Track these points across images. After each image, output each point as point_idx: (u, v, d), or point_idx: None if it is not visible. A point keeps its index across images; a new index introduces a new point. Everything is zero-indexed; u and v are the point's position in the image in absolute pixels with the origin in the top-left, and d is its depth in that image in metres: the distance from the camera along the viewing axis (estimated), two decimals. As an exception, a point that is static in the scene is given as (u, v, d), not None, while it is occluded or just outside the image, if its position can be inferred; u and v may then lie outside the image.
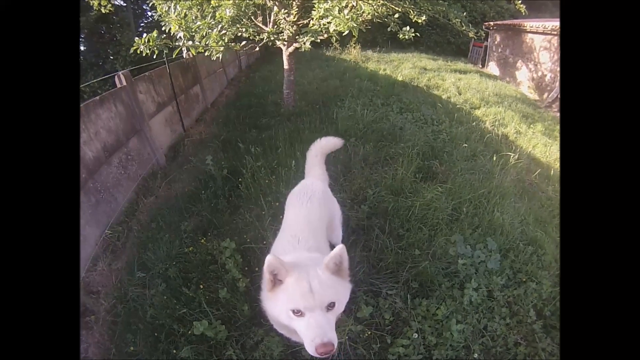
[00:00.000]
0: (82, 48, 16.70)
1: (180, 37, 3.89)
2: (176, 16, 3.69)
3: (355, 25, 3.09)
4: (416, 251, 2.72)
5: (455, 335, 2.10)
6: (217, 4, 3.72)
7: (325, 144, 2.63)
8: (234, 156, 4.31)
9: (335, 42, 4.42)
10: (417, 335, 2.09)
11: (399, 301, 2.34)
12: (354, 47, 12.68)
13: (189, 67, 6.72)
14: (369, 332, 2.14)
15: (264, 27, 4.90)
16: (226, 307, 2.34)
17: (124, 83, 4.04)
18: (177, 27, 3.71)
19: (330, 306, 1.31)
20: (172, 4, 3.93)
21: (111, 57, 14.99)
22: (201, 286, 2.49)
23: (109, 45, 14.81)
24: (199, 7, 3.92)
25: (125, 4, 18.61)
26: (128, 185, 3.88)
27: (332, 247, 1.64)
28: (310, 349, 1.25)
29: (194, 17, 3.99)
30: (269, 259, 1.32)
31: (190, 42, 3.95)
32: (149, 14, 22.15)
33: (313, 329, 1.26)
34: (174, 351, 2.10)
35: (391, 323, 2.24)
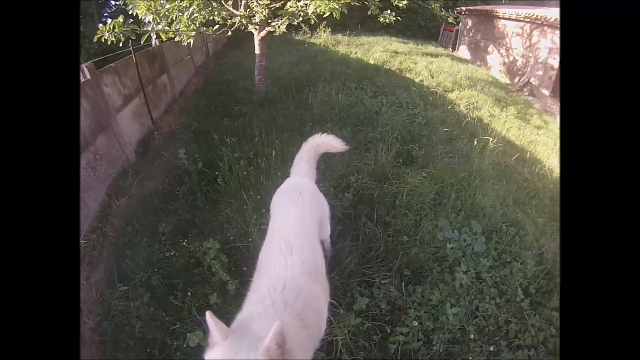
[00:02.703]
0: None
1: (149, 22, 3.62)
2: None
3: (337, 7, 2.97)
4: (404, 237, 2.72)
5: (451, 319, 2.13)
6: None
7: (323, 142, 2.50)
8: (207, 148, 4.12)
9: (312, 24, 4.27)
10: (416, 322, 2.10)
11: (393, 289, 2.33)
12: (324, 31, 12.47)
13: (155, 56, 6.32)
14: (368, 324, 2.12)
15: (235, 10, 4.68)
16: (218, 313, 2.22)
17: (88, 76, 3.68)
18: (146, 10, 3.44)
19: None
20: None
21: None
22: (189, 293, 2.35)
23: None
24: None
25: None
26: (98, 187, 3.60)
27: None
28: None
29: (163, 0, 3.73)
30: (207, 315, 1.13)
31: (159, 27, 3.68)
32: (113, 3, 20.89)
33: None
34: None
35: (388, 312, 2.23)
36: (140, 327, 2.22)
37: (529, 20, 10.00)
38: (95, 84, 3.81)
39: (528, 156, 4.68)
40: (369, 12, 4.04)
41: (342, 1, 3.20)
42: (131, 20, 3.51)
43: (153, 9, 3.48)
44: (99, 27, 3.46)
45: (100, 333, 2.30)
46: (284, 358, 1.06)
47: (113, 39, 3.41)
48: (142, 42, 3.75)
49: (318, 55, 9.45)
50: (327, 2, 2.97)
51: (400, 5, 4.11)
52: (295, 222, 1.82)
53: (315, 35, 12.64)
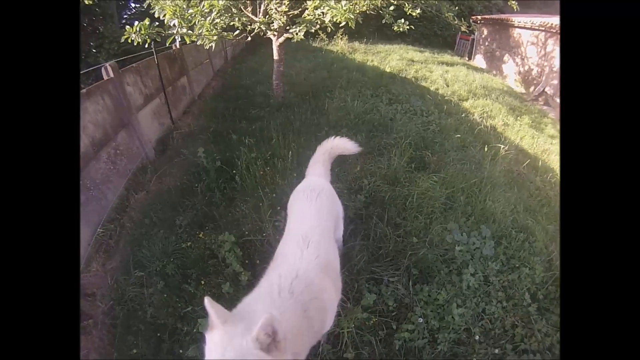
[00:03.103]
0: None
1: (174, 25, 3.80)
2: (171, 3, 3.58)
3: (353, 16, 3.09)
4: (414, 239, 2.78)
5: (457, 319, 2.18)
6: None
7: (338, 144, 2.58)
8: (225, 148, 4.25)
9: (329, 32, 4.39)
10: (421, 319, 2.15)
11: (401, 287, 2.39)
12: (341, 39, 12.62)
13: (175, 59, 6.57)
14: (374, 319, 2.18)
15: (254, 17, 4.84)
16: (230, 302, 2.30)
17: (112, 75, 3.89)
18: (172, 14, 3.61)
19: None
20: None
21: (94, 50, 14.50)
22: (202, 282, 2.46)
23: (91, 38, 14.29)
24: None
25: (107, -5, 17.94)
26: (118, 181, 3.77)
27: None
28: None
29: (185, 5, 3.91)
30: (206, 300, 1.14)
31: (184, 30, 3.86)
32: (132, 5, 21.50)
33: None
34: (180, 351, 2.07)
35: (395, 309, 2.29)
36: (152, 312, 2.31)
37: (543, 28, 9.92)
38: (118, 82, 4.00)
39: (540, 164, 4.68)
40: (383, 21, 4.13)
41: (357, 11, 3.30)
42: (156, 23, 3.69)
43: (178, 14, 3.64)
44: (126, 29, 3.66)
45: (112, 317, 2.40)
46: (276, 346, 1.09)
47: (139, 40, 3.59)
48: (167, 44, 3.92)
49: (335, 62, 9.58)
50: (342, 11, 3.08)
51: (414, 14, 4.19)
52: (313, 219, 1.89)
53: (333, 42, 12.80)
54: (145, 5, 4.21)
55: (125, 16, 20.72)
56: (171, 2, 3.68)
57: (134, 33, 3.55)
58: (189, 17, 3.81)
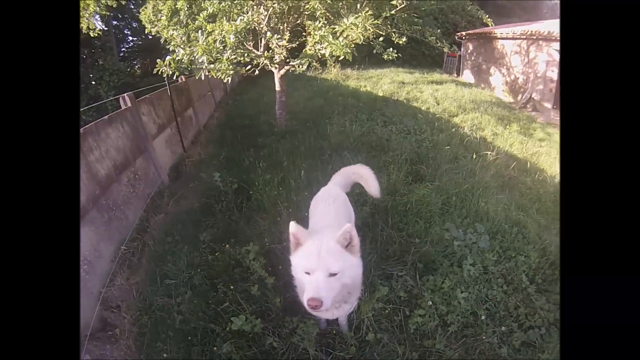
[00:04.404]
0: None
1: (202, 61, 4.28)
2: (203, 42, 4.07)
3: (349, 50, 3.53)
4: (416, 239, 3.11)
5: (462, 303, 2.46)
6: (220, 30, 4.10)
7: (366, 177, 2.83)
8: (239, 172, 4.61)
9: (331, 64, 4.86)
10: (430, 302, 2.45)
11: (409, 280, 2.70)
12: (334, 67, 13.21)
13: (182, 91, 7.03)
14: (389, 309, 2.48)
15: (255, 51, 5.32)
16: (258, 303, 2.54)
17: (129, 104, 4.22)
18: (202, 51, 4.10)
19: (333, 274, 1.53)
20: (200, 32, 4.36)
21: (93, 82, 14.90)
22: (231, 286, 2.65)
23: (91, 70, 14.75)
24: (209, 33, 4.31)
25: (107, 28, 18.64)
26: (137, 203, 4.03)
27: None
28: (304, 302, 1.51)
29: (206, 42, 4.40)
30: (291, 224, 1.62)
31: (212, 65, 4.33)
32: (130, 39, 22.14)
33: (310, 286, 1.51)
34: (214, 349, 2.25)
35: (406, 299, 2.59)
36: (181, 319, 2.47)
37: (525, 36, 10.44)
38: (135, 111, 4.33)
39: (530, 166, 5.06)
40: (374, 51, 4.59)
41: (352, 45, 3.75)
42: (185, 57, 4.17)
43: (207, 51, 4.11)
44: (157, 62, 4.14)
45: (139, 326, 2.56)
46: (351, 248, 1.64)
47: (169, 72, 4.06)
48: (197, 77, 4.39)
49: (330, 90, 10.11)
50: (340, 46, 3.53)
51: (400, 42, 4.65)
52: (331, 219, 2.25)
53: (326, 70, 13.40)
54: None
55: (123, 49, 21.25)
56: (203, 42, 4.12)
57: (165, 66, 3.99)
58: (216, 53, 4.27)
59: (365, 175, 2.85)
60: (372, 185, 2.81)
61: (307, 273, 1.56)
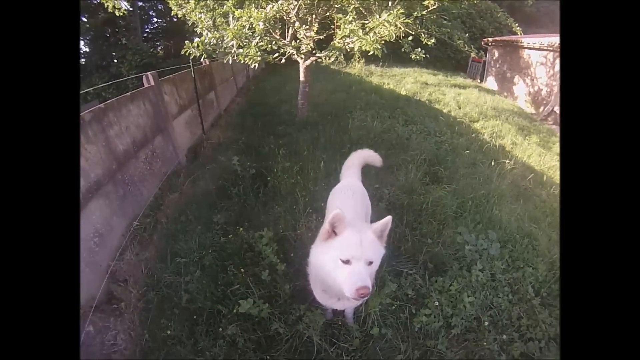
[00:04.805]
0: (87, 49, 16.67)
1: (232, 45, 4.36)
2: (233, 27, 4.15)
3: (379, 47, 3.54)
4: (429, 240, 3.14)
5: (468, 307, 2.51)
6: (248, 17, 4.15)
7: (365, 155, 3.05)
8: (257, 158, 4.69)
9: (357, 59, 4.91)
10: (437, 303, 2.49)
11: (418, 278, 2.75)
12: (359, 62, 13.17)
13: (205, 74, 7.08)
14: (396, 305, 2.52)
15: (283, 40, 5.35)
16: (268, 288, 2.58)
17: (152, 83, 4.26)
18: (232, 36, 4.18)
19: (370, 262, 1.61)
20: (230, 17, 4.45)
21: (115, 61, 15.07)
22: (241, 270, 2.68)
23: (114, 49, 14.93)
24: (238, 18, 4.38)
25: (132, 9, 18.86)
26: (153, 181, 4.06)
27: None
28: (351, 291, 1.52)
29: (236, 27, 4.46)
30: (336, 212, 1.65)
31: (240, 50, 4.41)
32: (155, 20, 22.39)
33: (356, 275, 1.54)
34: (219, 329, 2.30)
35: (413, 298, 2.63)
36: (188, 298, 2.52)
37: (552, 49, 10.22)
38: (157, 90, 4.38)
39: (546, 179, 5.01)
40: (402, 50, 4.58)
41: (383, 42, 3.76)
42: (212, 40, 4.25)
43: (237, 36, 4.18)
44: (186, 44, 4.27)
45: (145, 301, 2.60)
46: (382, 239, 1.72)
47: (197, 54, 4.18)
48: (225, 61, 4.51)
49: (353, 84, 10.09)
50: (370, 42, 3.54)
51: (429, 43, 4.62)
52: (350, 212, 2.24)
53: (350, 65, 13.36)
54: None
55: (147, 30, 21.45)
56: (233, 27, 4.20)
57: (194, 47, 4.06)
58: (244, 38, 4.35)
59: (367, 155, 3.15)
60: (375, 159, 3.18)
61: (345, 262, 1.59)
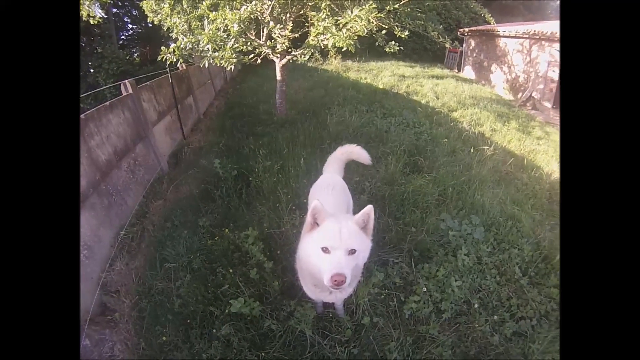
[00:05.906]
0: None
1: (207, 49, 4.32)
2: (208, 31, 4.11)
3: (352, 42, 3.57)
4: (412, 228, 3.17)
5: (456, 291, 2.54)
6: (222, 19, 4.12)
7: (355, 151, 3.01)
8: (238, 159, 4.63)
9: (333, 55, 4.94)
10: (425, 289, 2.52)
11: (405, 266, 2.77)
12: (335, 58, 13.20)
13: (183, 79, 6.99)
14: (384, 294, 2.55)
15: (258, 40, 5.33)
16: (257, 286, 2.60)
17: (130, 91, 4.21)
18: (207, 40, 4.14)
19: (352, 252, 1.61)
20: (206, 21, 4.39)
21: (92, 70, 14.71)
22: (230, 270, 2.69)
23: (89, 58, 14.58)
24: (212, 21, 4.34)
25: (107, 16, 18.40)
26: (137, 189, 4.04)
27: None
28: (327, 279, 1.54)
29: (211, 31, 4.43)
30: (315, 203, 1.67)
31: (216, 53, 4.36)
32: (130, 27, 21.88)
33: (333, 263, 1.56)
34: (213, 331, 2.30)
35: (401, 286, 2.66)
36: (180, 302, 2.52)
37: (527, 36, 10.49)
38: (136, 97, 4.32)
39: (527, 163, 5.13)
40: (376, 44, 4.61)
41: (356, 37, 3.79)
42: (188, 45, 4.21)
43: (213, 39, 4.13)
44: (162, 49, 4.21)
45: (139, 310, 2.59)
46: (366, 230, 1.72)
47: (174, 59, 4.11)
48: (201, 65, 4.45)
49: (330, 81, 10.12)
50: (344, 38, 3.56)
51: (403, 36, 4.67)
52: (331, 206, 2.25)
53: (327, 62, 13.38)
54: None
55: (122, 37, 20.83)
56: (208, 32, 4.17)
57: (169, 53, 4.01)
58: (220, 40, 4.31)
59: (355, 151, 3.06)
60: (363, 156, 3.05)
61: (325, 251, 1.61)
